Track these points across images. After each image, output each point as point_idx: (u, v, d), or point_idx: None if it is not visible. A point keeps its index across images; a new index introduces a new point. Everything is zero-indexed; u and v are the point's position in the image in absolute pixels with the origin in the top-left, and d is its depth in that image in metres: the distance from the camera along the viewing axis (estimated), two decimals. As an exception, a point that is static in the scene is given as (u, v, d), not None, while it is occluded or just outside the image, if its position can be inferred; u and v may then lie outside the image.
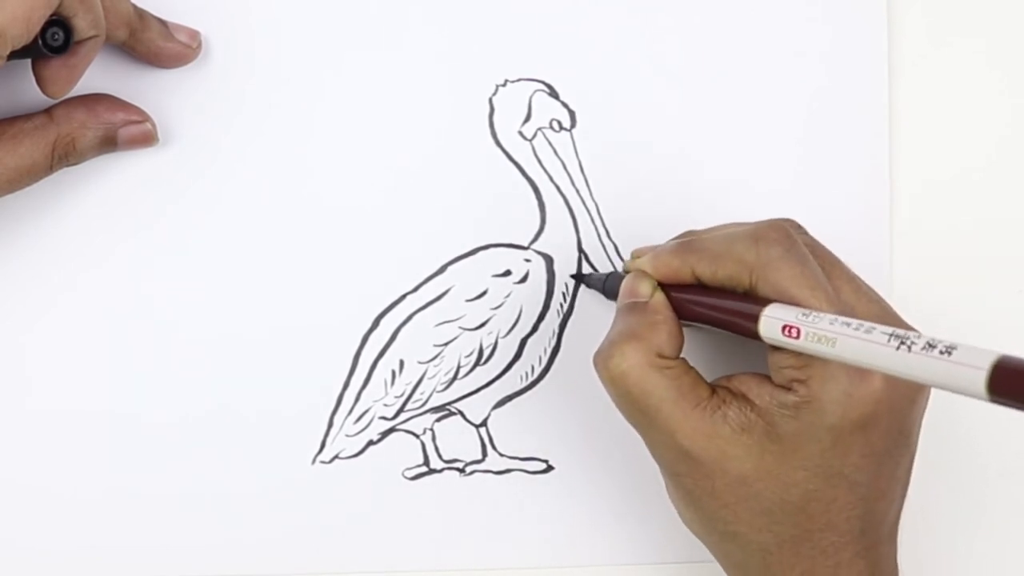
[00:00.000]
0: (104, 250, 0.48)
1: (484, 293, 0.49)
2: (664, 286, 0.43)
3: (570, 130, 0.50)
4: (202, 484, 0.49)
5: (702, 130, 0.50)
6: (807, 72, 0.50)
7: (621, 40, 0.50)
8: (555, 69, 0.50)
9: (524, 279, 0.49)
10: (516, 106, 0.49)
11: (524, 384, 0.50)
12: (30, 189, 0.46)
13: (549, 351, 0.50)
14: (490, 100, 0.49)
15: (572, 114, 0.50)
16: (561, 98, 0.50)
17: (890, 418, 0.40)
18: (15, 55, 0.42)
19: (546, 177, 0.49)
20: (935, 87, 0.51)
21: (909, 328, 0.41)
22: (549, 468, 0.50)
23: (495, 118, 0.49)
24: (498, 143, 0.49)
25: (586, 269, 0.49)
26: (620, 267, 0.49)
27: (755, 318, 0.39)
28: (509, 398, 0.50)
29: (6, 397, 0.48)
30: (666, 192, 0.49)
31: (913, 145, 0.50)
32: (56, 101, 0.46)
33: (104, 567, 0.49)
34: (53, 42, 0.42)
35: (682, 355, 0.42)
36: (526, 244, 0.49)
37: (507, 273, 0.49)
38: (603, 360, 0.42)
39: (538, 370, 0.50)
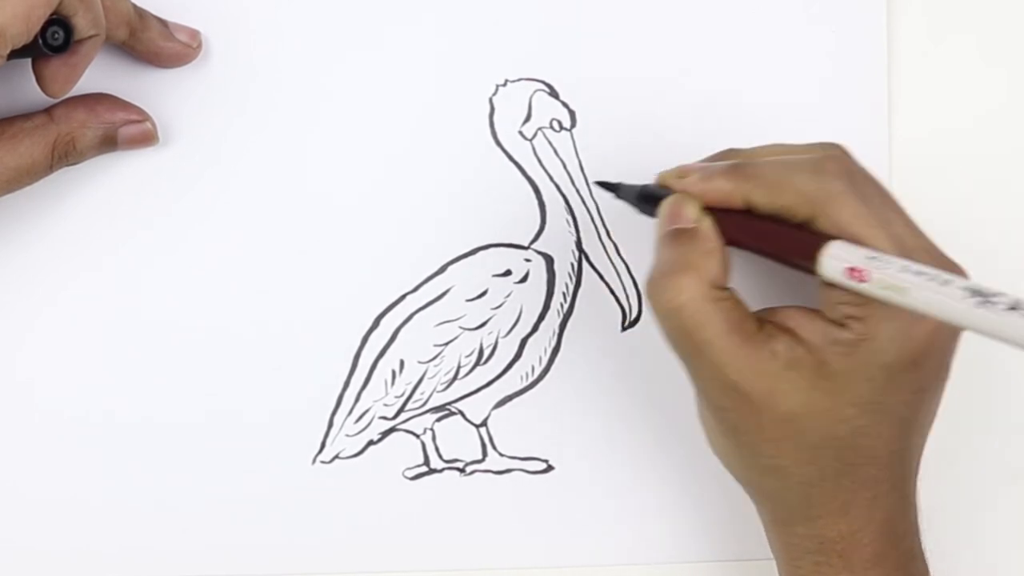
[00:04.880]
0: (104, 250, 0.48)
1: (484, 293, 0.49)
2: (710, 209, 0.41)
3: (570, 130, 0.49)
4: (202, 484, 0.49)
5: (702, 130, 0.50)
6: (807, 71, 0.50)
7: (621, 40, 0.50)
8: (555, 69, 0.49)
9: (524, 279, 0.49)
10: (516, 106, 0.49)
11: (524, 384, 0.50)
12: (30, 189, 0.46)
13: (549, 351, 0.49)
14: (490, 100, 0.49)
15: (572, 114, 0.50)
16: (561, 98, 0.49)
17: (938, 355, 0.40)
18: (15, 54, 0.42)
19: (546, 177, 0.49)
20: (935, 85, 0.51)
21: (956, 266, 0.40)
22: (549, 468, 0.50)
23: (495, 118, 0.49)
24: (498, 143, 0.49)
25: (586, 269, 0.49)
26: (620, 266, 0.49)
27: (813, 254, 0.38)
28: (509, 398, 0.50)
29: (6, 397, 0.48)
30: (666, 192, 0.49)
31: (913, 145, 0.50)
32: (56, 100, 0.46)
33: (104, 567, 0.49)
34: (53, 41, 0.42)
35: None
36: (526, 244, 0.49)
37: (507, 273, 0.49)
38: (658, 293, 0.40)
39: (538, 370, 0.49)
